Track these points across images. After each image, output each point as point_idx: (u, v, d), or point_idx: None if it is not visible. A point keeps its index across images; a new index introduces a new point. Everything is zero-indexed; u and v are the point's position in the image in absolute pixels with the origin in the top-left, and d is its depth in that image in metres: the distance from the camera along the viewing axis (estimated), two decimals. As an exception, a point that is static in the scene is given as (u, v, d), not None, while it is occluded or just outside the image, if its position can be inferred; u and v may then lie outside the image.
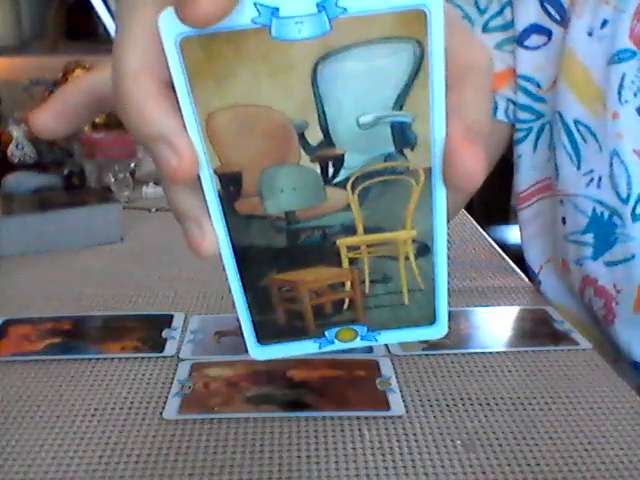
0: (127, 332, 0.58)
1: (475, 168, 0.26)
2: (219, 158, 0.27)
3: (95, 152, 1.04)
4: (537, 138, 0.68)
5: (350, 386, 0.49)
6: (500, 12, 0.67)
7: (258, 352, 0.31)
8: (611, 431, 0.44)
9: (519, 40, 0.65)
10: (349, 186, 0.28)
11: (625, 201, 0.61)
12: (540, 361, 0.53)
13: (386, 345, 0.54)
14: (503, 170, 0.70)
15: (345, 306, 0.31)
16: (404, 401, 0.47)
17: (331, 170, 0.28)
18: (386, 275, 0.30)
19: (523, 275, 0.72)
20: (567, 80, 0.62)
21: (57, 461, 0.42)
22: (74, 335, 0.58)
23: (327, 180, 0.28)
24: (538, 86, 0.66)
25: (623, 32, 0.59)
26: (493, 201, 2.02)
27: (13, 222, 0.81)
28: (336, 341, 0.31)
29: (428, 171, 0.27)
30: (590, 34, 0.61)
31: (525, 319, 0.62)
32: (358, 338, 0.31)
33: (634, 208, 0.61)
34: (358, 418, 0.45)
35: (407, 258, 0.29)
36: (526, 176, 0.71)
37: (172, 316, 0.61)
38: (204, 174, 0.27)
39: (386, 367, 0.51)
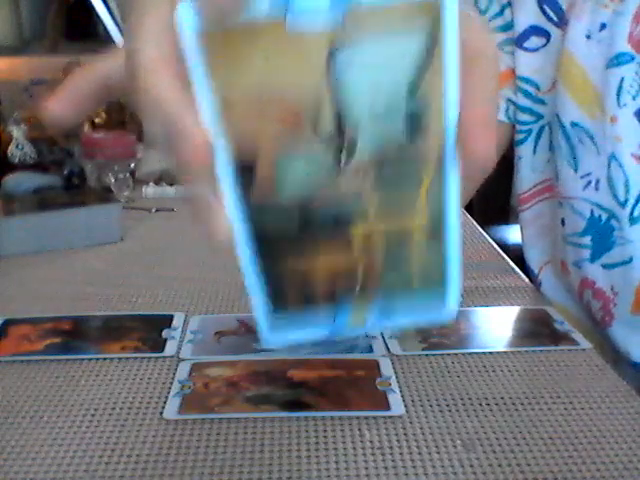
0: (127, 332, 0.58)
1: (488, 150, 0.27)
2: (234, 146, 0.27)
3: (95, 152, 1.04)
4: (537, 140, 0.68)
5: (350, 386, 0.49)
6: (500, 13, 0.67)
7: (270, 339, 0.31)
8: (611, 431, 0.44)
9: (518, 41, 0.65)
10: (362, 172, 0.28)
11: (623, 204, 0.61)
12: (540, 361, 0.53)
13: (386, 345, 0.55)
14: (503, 170, 0.70)
15: (357, 291, 0.31)
16: (404, 401, 0.47)
17: (344, 157, 0.28)
18: (398, 259, 0.30)
19: (523, 275, 0.72)
20: (565, 83, 0.62)
21: (57, 461, 0.42)
22: (74, 335, 0.58)
23: (340, 166, 0.28)
24: (537, 88, 0.66)
25: (622, 35, 0.59)
26: (493, 201, 2.03)
27: (13, 222, 0.81)
28: (347, 326, 0.31)
29: (440, 157, 0.28)
30: (589, 37, 0.60)
31: (525, 319, 0.62)
32: (369, 322, 0.31)
33: (632, 211, 0.61)
34: (358, 418, 0.45)
35: (419, 243, 0.30)
36: (526, 178, 0.71)
37: (172, 316, 0.61)
38: (219, 162, 0.27)
39: (386, 367, 0.51)
